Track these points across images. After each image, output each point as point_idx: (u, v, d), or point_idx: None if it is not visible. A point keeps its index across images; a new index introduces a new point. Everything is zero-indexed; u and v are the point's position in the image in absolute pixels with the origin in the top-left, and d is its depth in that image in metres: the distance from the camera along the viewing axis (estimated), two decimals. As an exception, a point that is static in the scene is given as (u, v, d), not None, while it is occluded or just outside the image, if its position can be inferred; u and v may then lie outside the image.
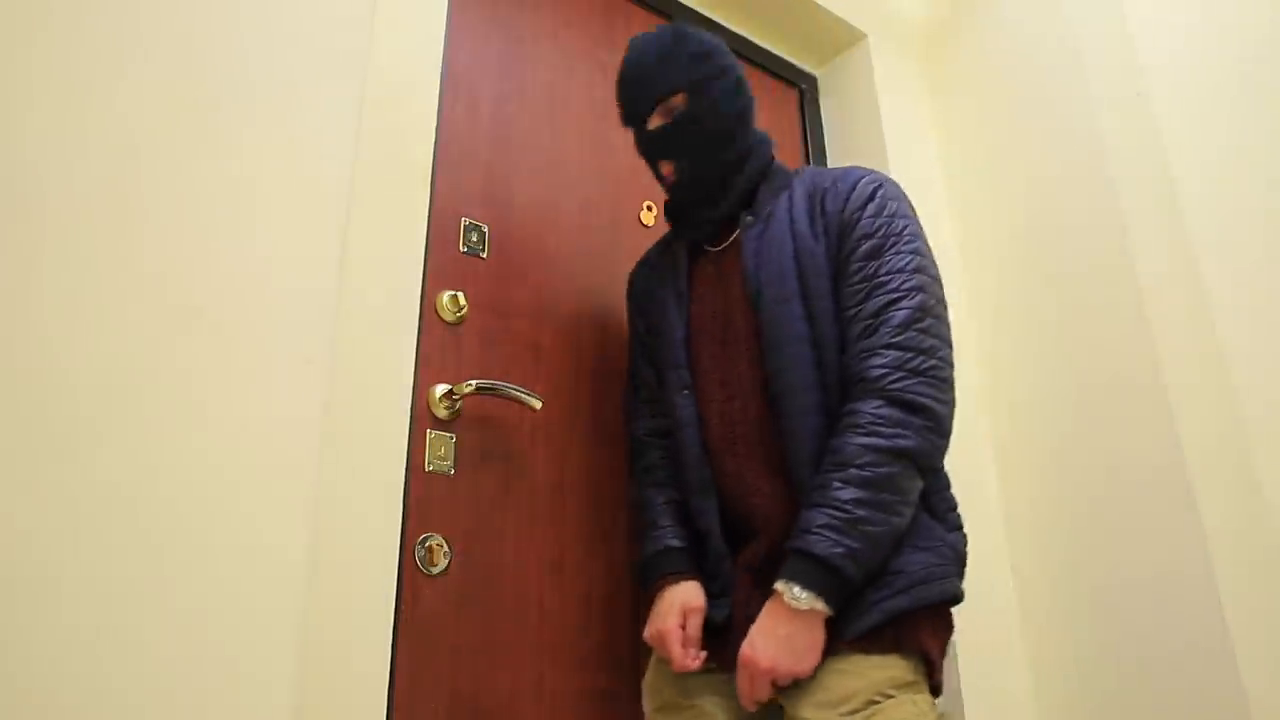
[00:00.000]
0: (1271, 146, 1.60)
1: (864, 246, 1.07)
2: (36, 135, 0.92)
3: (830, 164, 2.04)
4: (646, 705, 1.15)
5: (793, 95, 2.08)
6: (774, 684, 0.98)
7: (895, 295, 1.04)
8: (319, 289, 1.07)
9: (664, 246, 1.33)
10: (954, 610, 1.08)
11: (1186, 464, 1.45)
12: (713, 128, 1.17)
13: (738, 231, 1.19)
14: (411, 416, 1.12)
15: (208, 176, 1.02)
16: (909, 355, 1.01)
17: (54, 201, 0.91)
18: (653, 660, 1.16)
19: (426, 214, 1.22)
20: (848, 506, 0.96)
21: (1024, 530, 1.71)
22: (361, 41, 1.20)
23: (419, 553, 1.14)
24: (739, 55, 1.95)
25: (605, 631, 1.31)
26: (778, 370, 1.08)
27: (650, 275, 1.31)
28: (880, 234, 1.07)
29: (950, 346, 1.06)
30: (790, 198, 1.16)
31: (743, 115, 1.20)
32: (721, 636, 1.08)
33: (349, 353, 1.07)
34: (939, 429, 1.02)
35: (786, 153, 1.99)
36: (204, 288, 0.98)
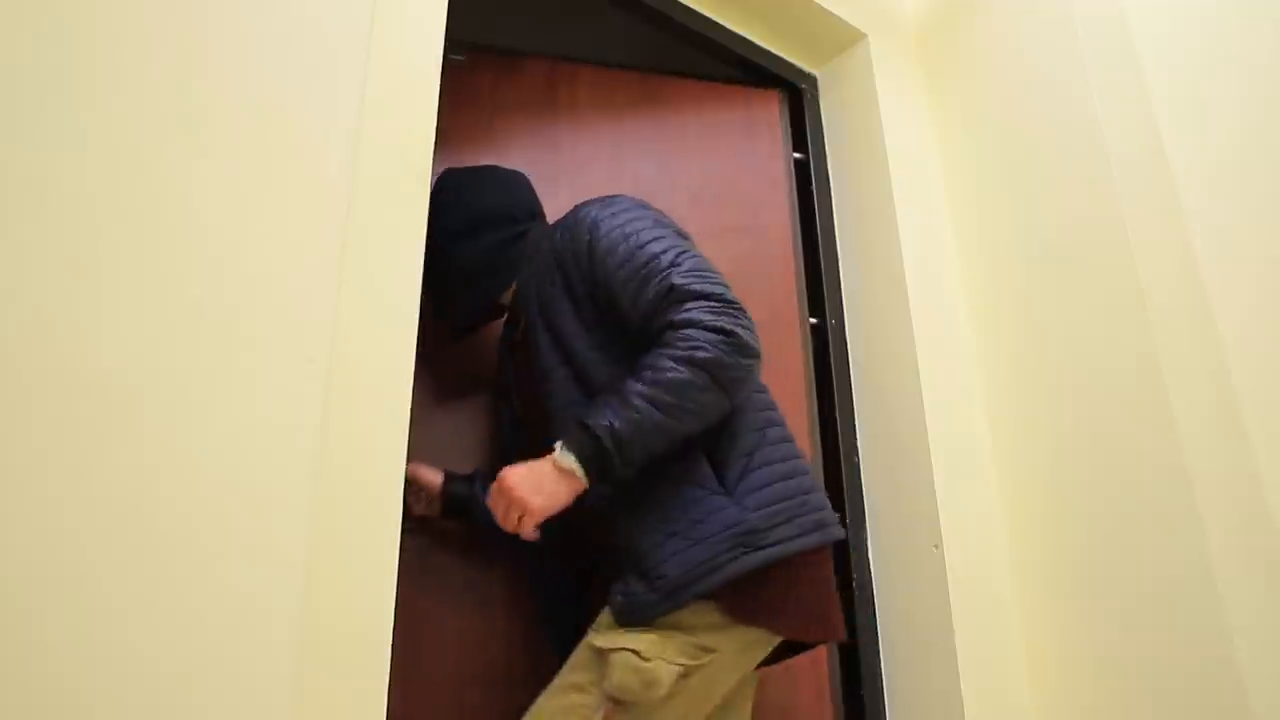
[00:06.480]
0: (1273, 144, 1.59)
1: (608, 265, 1.17)
2: (36, 136, 0.92)
3: (830, 163, 2.04)
4: None
5: (793, 95, 2.08)
6: (524, 519, 1.10)
7: (658, 279, 1.11)
8: (319, 289, 1.06)
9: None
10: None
11: (1186, 464, 1.45)
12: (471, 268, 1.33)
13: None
14: (412, 416, 1.12)
15: (207, 176, 1.02)
16: (702, 304, 1.08)
17: (53, 202, 0.91)
18: None
19: (426, 214, 1.22)
20: (629, 396, 1.06)
21: (1023, 530, 1.70)
22: (361, 41, 1.20)
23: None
24: (739, 55, 1.97)
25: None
26: (543, 386, 1.20)
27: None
28: (609, 248, 1.17)
29: (718, 277, 1.13)
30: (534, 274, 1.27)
31: (475, 225, 1.34)
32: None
33: (349, 353, 1.07)
34: (741, 349, 1.07)
35: (785, 153, 1.99)
36: (204, 287, 0.98)
